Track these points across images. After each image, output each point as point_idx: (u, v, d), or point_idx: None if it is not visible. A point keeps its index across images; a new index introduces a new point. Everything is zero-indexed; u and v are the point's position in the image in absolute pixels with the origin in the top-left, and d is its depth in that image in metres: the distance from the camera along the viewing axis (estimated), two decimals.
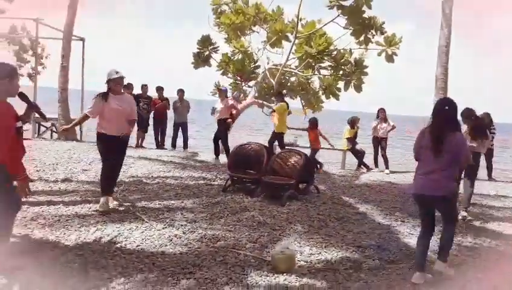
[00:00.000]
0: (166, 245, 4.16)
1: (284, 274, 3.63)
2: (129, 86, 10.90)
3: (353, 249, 4.43)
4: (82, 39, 14.53)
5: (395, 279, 3.75)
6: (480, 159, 6.46)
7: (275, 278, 3.56)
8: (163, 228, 4.61)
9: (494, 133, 8.97)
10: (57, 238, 4.17)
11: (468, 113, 5.97)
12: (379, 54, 11.07)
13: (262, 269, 3.74)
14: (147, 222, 4.79)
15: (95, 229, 4.47)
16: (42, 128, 14.35)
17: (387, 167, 10.07)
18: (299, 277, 3.61)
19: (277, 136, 9.63)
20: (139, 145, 11.24)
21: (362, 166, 10.45)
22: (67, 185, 6.33)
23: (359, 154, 10.53)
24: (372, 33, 10.78)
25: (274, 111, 9.97)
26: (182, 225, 4.73)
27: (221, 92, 9.61)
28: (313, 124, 9.81)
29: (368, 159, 10.67)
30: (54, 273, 3.38)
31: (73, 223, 4.63)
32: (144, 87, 11.26)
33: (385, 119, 10.16)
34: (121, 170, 7.60)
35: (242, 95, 13.43)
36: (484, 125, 6.37)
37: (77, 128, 12.66)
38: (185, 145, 11.61)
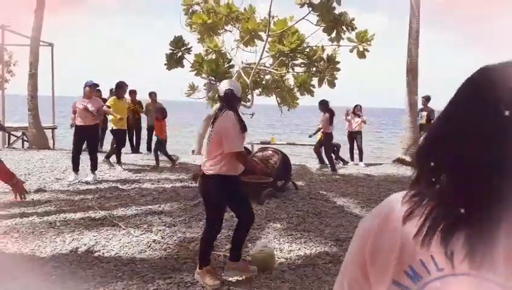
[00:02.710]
0: (145, 251, 4.12)
1: (265, 272, 3.66)
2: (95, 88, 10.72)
3: (331, 243, 4.49)
4: (51, 44, 14.17)
5: None
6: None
7: (255, 277, 3.58)
8: (141, 234, 4.56)
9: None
10: (32, 251, 4.07)
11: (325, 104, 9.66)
12: (351, 51, 11.20)
13: None
14: (124, 228, 4.74)
15: (71, 239, 4.38)
16: (13, 138, 13.94)
17: (361, 160, 10.24)
18: (279, 275, 3.64)
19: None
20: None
21: (338, 160, 10.59)
22: (41, 195, 6.18)
23: (335, 149, 10.67)
24: (343, 29, 10.90)
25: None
26: (160, 230, 4.70)
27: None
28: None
29: (344, 153, 10.84)
30: (30, 288, 3.31)
31: (48, 234, 4.53)
32: (112, 90, 11.09)
33: (358, 115, 10.35)
34: (96, 176, 7.60)
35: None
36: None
37: (50, 136, 12.38)
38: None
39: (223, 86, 3.55)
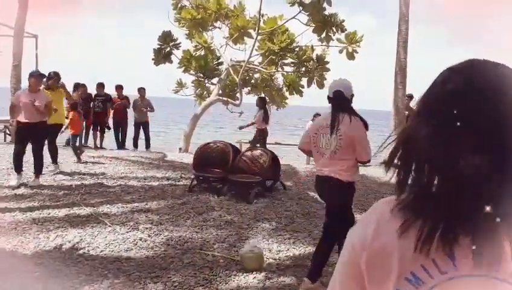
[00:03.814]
0: (131, 249, 4.04)
1: (254, 273, 3.62)
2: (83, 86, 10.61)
3: None
4: (35, 36, 13.85)
5: None
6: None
7: (244, 277, 3.55)
8: (127, 232, 4.48)
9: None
10: (15, 247, 3.95)
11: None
12: (340, 52, 11.28)
13: (231, 269, 3.71)
14: (110, 226, 4.64)
15: (55, 235, 4.28)
16: None
17: None
18: (268, 275, 3.61)
19: None
20: (98, 146, 10.90)
21: None
22: (24, 190, 6.03)
23: None
24: (333, 30, 10.96)
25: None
26: (147, 228, 4.62)
27: None
28: None
29: None
30: (12, 285, 3.20)
31: (31, 230, 4.41)
32: (99, 85, 10.96)
33: None
34: (81, 172, 7.45)
35: (205, 92, 13.32)
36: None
37: None
38: (147, 145, 11.35)
39: (333, 86, 3.39)
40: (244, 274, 3.59)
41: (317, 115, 10.86)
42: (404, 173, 0.71)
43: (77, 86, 10.49)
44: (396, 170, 0.73)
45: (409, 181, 0.71)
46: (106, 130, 11.05)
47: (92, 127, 10.96)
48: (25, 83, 11.89)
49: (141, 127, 11.22)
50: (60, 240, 4.17)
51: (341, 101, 3.30)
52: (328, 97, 3.39)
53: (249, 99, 13.80)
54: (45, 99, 6.44)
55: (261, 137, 9.74)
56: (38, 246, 3.98)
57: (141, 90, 11.25)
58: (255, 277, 3.56)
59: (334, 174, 3.25)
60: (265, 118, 9.69)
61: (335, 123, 3.21)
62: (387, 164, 0.75)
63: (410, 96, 10.35)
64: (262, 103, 10.01)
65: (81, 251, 3.93)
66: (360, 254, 0.73)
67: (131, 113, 11.34)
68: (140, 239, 4.29)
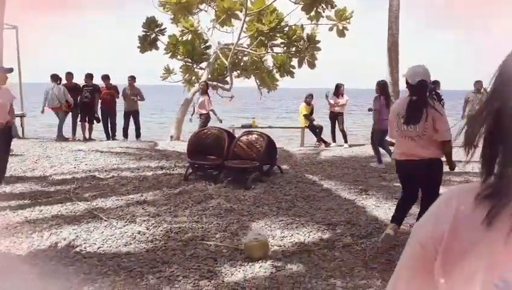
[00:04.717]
0: (130, 244, 3.88)
1: (259, 262, 3.50)
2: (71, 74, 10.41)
3: (324, 227, 4.38)
4: (15, 27, 13.34)
5: (369, 254, 3.74)
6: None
7: (250, 267, 3.42)
8: (124, 226, 4.31)
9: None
10: (7, 248, 3.76)
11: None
12: (330, 29, 11.05)
13: (235, 258, 3.58)
14: (105, 220, 4.47)
15: (49, 234, 4.09)
16: None
17: (346, 141, 10.18)
18: (274, 263, 3.49)
19: None
20: (87, 138, 10.65)
21: (320, 142, 10.51)
22: (13, 187, 5.80)
23: (317, 130, 10.58)
24: (322, 7, 10.70)
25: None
26: (144, 221, 4.45)
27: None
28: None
29: (326, 134, 10.76)
30: (8, 288, 3.04)
31: (23, 229, 4.21)
32: (87, 76, 10.68)
33: (342, 95, 10.20)
34: (72, 165, 7.23)
35: (194, 77, 13.04)
36: None
37: (18, 124, 11.75)
38: (138, 134, 11.11)
39: (415, 73, 3.59)
40: (250, 264, 3.47)
41: (309, 96, 10.70)
42: (492, 154, 0.59)
43: (104, 77, 10.74)
44: (481, 152, 0.61)
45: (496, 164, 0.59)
46: (95, 121, 10.78)
47: (80, 119, 10.69)
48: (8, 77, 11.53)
49: (131, 116, 10.95)
50: (55, 238, 3.99)
51: (425, 90, 3.56)
52: (408, 83, 3.64)
53: (240, 83, 13.57)
54: (9, 97, 5.57)
55: (206, 121, 9.55)
56: (32, 246, 3.80)
57: (131, 79, 10.93)
58: (261, 266, 3.43)
59: (424, 154, 3.56)
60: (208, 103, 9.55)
61: (420, 112, 3.50)
62: (469, 143, 0.62)
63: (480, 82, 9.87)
64: (205, 87, 9.83)
65: (77, 249, 3.76)
66: (432, 255, 0.63)
67: (120, 102, 11.06)
68: (139, 232, 4.13)
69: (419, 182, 3.77)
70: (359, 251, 3.80)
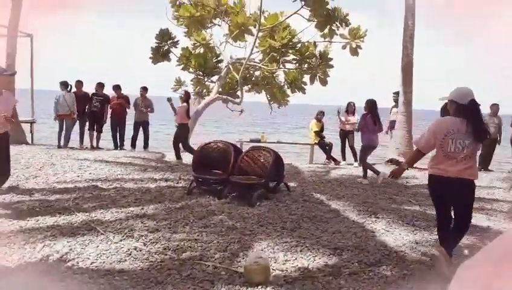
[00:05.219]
0: (125, 260, 3.69)
1: (259, 287, 3.28)
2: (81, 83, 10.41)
3: (330, 252, 4.14)
4: (30, 35, 13.49)
5: (377, 283, 3.49)
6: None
7: None
8: (121, 240, 4.13)
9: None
10: None
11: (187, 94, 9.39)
12: (343, 47, 10.92)
13: (234, 282, 3.36)
14: (102, 233, 4.30)
15: (42, 245, 3.93)
16: None
17: (356, 160, 9.94)
18: (275, 289, 3.27)
19: None
20: (94, 147, 10.59)
21: (330, 160, 10.29)
22: (13, 194, 5.69)
23: (327, 148, 10.37)
24: (336, 25, 10.60)
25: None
26: (142, 236, 4.27)
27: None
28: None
29: (335, 152, 10.54)
30: None
31: (17, 239, 4.06)
32: (98, 85, 10.70)
33: (353, 113, 10.02)
34: (75, 174, 7.11)
35: (205, 90, 12.98)
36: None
37: (27, 130, 11.76)
38: (146, 145, 11.03)
39: (465, 94, 3.71)
40: (249, 289, 3.25)
41: (320, 113, 10.53)
42: None
43: (116, 87, 10.78)
44: None
45: None
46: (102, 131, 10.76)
47: (88, 127, 10.66)
48: (20, 83, 11.59)
49: (141, 127, 10.88)
50: (48, 250, 3.82)
51: (478, 109, 3.72)
52: (457, 103, 3.72)
53: (250, 97, 13.47)
54: (9, 103, 5.22)
55: (183, 131, 9.31)
56: (23, 258, 3.63)
57: (143, 90, 10.90)
58: None
59: (466, 175, 3.65)
60: (188, 113, 9.27)
61: (476, 130, 3.61)
62: None
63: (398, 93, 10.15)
64: (186, 97, 9.54)
65: (69, 263, 3.58)
66: None
67: (130, 113, 11.02)
68: (135, 248, 3.94)
69: (455, 203, 3.83)
70: (366, 280, 3.56)
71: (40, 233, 4.25)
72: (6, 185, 6.09)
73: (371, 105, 7.97)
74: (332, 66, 11.27)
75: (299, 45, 11.41)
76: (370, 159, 12.15)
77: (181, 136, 9.28)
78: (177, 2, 12.42)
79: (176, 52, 12.68)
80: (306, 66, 11.43)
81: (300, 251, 4.11)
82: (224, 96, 12.12)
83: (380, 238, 4.66)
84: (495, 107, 9.65)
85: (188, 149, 9.27)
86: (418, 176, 8.83)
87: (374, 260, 3.97)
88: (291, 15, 11.05)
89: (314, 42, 11.30)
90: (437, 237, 4.73)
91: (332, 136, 11.19)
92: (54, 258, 3.66)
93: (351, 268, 3.76)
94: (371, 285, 3.46)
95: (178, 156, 9.28)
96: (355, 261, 3.92)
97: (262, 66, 12.09)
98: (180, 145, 9.36)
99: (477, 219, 5.30)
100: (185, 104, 9.30)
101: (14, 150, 9.11)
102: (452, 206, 3.88)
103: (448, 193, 3.74)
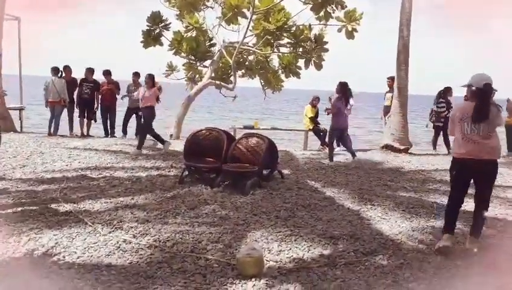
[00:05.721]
0: (113, 253, 3.56)
1: (252, 279, 3.17)
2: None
3: (325, 241, 4.03)
4: (17, 18, 13.10)
5: (373, 274, 3.40)
6: None
7: (242, 286, 3.10)
8: (109, 233, 3.99)
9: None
10: None
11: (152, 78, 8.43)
12: (339, 30, 10.69)
13: (226, 275, 3.25)
14: (90, 225, 4.16)
15: (27, 238, 3.78)
16: None
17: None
18: (269, 282, 3.16)
19: None
20: (84, 134, 10.37)
21: (324, 146, 10.16)
22: None
23: (321, 134, 10.24)
24: (332, 8, 10.35)
25: None
26: (131, 227, 4.14)
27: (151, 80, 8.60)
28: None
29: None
30: None
31: (0, 233, 3.91)
32: (88, 70, 10.41)
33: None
34: (64, 162, 6.94)
35: (197, 75, 12.74)
36: None
37: (16, 117, 11.50)
38: (137, 132, 10.78)
39: (481, 79, 3.81)
40: (242, 282, 3.14)
41: (316, 98, 10.36)
42: None
43: (106, 73, 10.47)
44: None
45: None
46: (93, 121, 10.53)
47: (78, 115, 10.42)
48: (7, 69, 11.29)
49: (134, 114, 10.62)
50: (33, 244, 3.68)
51: (486, 92, 3.78)
52: (472, 88, 3.84)
53: (244, 82, 13.23)
54: None
55: (151, 114, 8.57)
56: (6, 253, 3.49)
57: (135, 76, 10.55)
58: (254, 285, 3.10)
59: (486, 155, 3.79)
60: (157, 97, 8.59)
61: (487, 112, 3.73)
62: None
63: (393, 78, 9.97)
64: (153, 81, 8.61)
65: (55, 258, 3.44)
66: None
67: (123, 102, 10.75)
68: (124, 241, 3.81)
69: (476, 182, 3.94)
70: (362, 270, 3.46)
71: (25, 225, 4.10)
72: None
73: (343, 87, 8.09)
74: (327, 50, 11.05)
75: (293, 28, 11.16)
76: (365, 145, 12.06)
77: (148, 119, 8.59)
78: None
79: (168, 36, 12.38)
80: (301, 50, 11.20)
81: (295, 240, 4.00)
82: (217, 82, 11.90)
83: (375, 226, 4.56)
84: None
85: (153, 134, 8.74)
86: (414, 161, 8.75)
87: (370, 249, 3.87)
88: None
89: (309, 25, 11.05)
90: (433, 224, 4.67)
91: (327, 122, 11.04)
92: (39, 253, 3.52)
93: (347, 258, 3.66)
94: (367, 275, 3.37)
95: (161, 140, 8.81)
96: (350, 250, 3.82)
97: (256, 50, 11.84)
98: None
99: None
100: (155, 88, 8.55)
101: (2, 138, 8.90)
102: (475, 185, 3.98)
103: (470, 174, 3.90)
